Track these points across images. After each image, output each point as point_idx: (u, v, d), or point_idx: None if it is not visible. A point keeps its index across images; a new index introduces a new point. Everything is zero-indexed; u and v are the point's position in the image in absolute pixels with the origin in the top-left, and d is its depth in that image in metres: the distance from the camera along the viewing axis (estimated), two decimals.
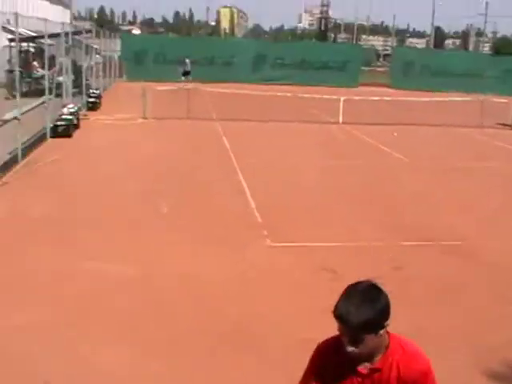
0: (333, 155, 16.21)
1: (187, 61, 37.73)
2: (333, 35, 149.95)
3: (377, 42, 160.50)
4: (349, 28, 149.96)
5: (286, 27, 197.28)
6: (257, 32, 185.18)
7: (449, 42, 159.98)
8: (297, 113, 23.23)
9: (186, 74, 37.21)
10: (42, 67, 23.02)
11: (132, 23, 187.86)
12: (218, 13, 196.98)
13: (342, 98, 22.92)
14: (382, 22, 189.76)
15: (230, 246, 8.60)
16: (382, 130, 20.83)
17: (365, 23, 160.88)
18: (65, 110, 17.89)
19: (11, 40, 27.20)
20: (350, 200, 11.61)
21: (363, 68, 47.64)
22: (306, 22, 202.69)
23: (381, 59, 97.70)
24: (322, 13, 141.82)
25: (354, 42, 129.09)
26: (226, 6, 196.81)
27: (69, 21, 61.01)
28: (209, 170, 13.69)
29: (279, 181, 12.94)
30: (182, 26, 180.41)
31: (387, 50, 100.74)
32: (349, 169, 14.50)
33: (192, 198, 11.23)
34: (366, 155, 16.54)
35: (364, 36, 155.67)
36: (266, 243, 8.80)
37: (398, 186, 13.09)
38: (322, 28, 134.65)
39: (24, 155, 13.88)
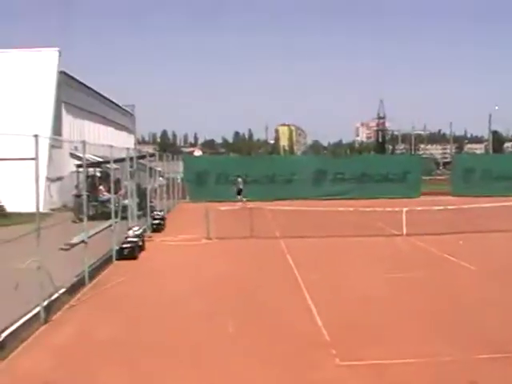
0: (398, 268, 15.94)
1: (239, 180, 38.70)
2: (391, 146, 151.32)
3: (435, 150, 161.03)
4: (406, 138, 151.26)
5: (344, 141, 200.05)
6: (316, 148, 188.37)
7: (508, 145, 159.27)
8: (359, 227, 23.16)
9: (239, 192, 38.10)
10: (108, 191, 23.85)
11: (193, 145, 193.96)
12: (277, 131, 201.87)
13: (404, 210, 22.80)
14: (439, 130, 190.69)
15: (298, 366, 8.41)
16: (446, 240, 20.49)
17: (422, 132, 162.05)
18: (130, 233, 18.33)
19: (79, 166, 28.56)
20: (418, 313, 11.29)
21: (423, 177, 47.58)
22: (363, 135, 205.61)
23: (441, 167, 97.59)
24: (378, 125, 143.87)
25: (413, 152, 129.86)
26: (284, 124, 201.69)
27: (133, 145, 63.83)
28: (274, 288, 13.61)
29: (345, 296, 12.75)
30: (242, 145, 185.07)
31: (446, 157, 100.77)
32: (415, 281, 14.20)
33: (257, 317, 11.11)
34: (432, 266, 16.21)
35: (422, 145, 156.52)
36: (334, 362, 8.57)
37: (466, 296, 12.68)
38: (380, 140, 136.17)
39: (91, 278, 14.14)
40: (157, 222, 24.32)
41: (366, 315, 11.17)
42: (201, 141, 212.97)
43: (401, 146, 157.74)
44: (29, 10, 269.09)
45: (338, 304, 12.03)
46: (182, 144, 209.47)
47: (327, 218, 24.76)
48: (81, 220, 15.33)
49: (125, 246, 17.49)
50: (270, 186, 40.92)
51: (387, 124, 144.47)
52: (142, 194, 24.73)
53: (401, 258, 17.68)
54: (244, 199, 36.36)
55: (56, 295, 11.58)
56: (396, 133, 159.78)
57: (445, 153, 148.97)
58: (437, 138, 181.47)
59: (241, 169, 40.85)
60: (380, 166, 43.41)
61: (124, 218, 19.90)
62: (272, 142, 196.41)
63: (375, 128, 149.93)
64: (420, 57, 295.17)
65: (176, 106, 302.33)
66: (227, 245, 20.31)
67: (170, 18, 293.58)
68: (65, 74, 38.92)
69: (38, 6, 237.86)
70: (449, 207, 26.08)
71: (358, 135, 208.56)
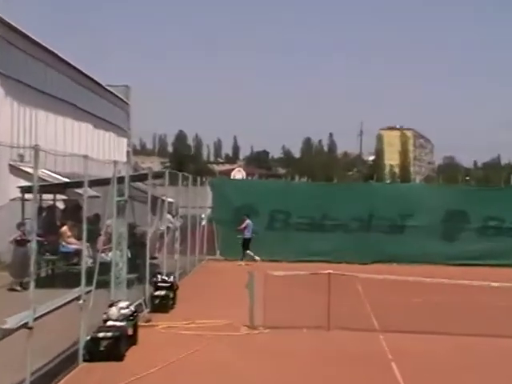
0: None
1: (248, 221, 38.56)
2: None
3: None
4: None
5: (503, 161, 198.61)
6: (449, 171, 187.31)
7: None
8: None
9: (246, 244, 38.02)
10: (78, 236, 23.87)
11: (232, 160, 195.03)
12: (380, 139, 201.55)
13: None
14: None
15: None
16: None
17: None
18: (113, 312, 18.23)
19: (26, 189, 28.65)
20: None
21: None
22: None
23: None
24: None
25: None
26: (393, 128, 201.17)
27: (125, 157, 64.27)
28: None
29: None
30: (317, 162, 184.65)
31: None
32: None
33: None
34: None
35: None
36: None
37: None
38: None
39: None
40: (162, 293, 24.26)
41: None
42: (245, 153, 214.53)
43: None
44: None
45: None
46: (212, 158, 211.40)
47: (468, 299, 24.56)
48: (23, 287, 15.26)
49: (101, 335, 17.43)
50: (365, 236, 40.84)
51: None
52: (136, 242, 24.75)
53: None
54: (257, 258, 36.54)
55: None
56: None
57: None
58: None
59: (314, 203, 40.73)
60: None
61: (104, 284, 19.78)
62: (371, 158, 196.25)
63: None
64: None
65: (202, 95, 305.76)
66: (285, 340, 20.18)
67: None
68: (2, 22, 38.57)
69: None
70: None
71: None
